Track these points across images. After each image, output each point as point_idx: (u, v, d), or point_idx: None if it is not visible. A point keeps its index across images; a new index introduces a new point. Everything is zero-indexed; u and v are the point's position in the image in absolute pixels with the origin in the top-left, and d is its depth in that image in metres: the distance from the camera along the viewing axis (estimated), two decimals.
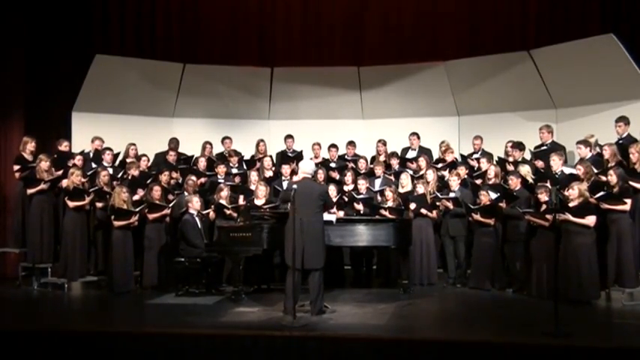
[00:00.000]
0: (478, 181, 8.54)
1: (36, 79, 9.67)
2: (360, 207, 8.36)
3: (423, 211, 8.12)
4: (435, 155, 9.68)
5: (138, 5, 10.57)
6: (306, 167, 6.63)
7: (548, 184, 7.41)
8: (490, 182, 8.11)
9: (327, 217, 6.56)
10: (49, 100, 9.74)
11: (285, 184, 8.88)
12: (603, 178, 7.24)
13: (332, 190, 8.09)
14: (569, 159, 8.69)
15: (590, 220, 6.80)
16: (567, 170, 7.83)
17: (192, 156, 9.82)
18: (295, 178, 8.62)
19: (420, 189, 8.19)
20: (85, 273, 8.14)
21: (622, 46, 8.56)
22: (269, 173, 9.37)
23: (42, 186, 8.10)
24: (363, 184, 8.50)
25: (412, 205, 8.08)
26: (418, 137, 9.78)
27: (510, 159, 8.70)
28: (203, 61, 10.58)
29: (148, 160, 9.31)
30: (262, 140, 10.15)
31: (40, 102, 9.66)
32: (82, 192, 8.02)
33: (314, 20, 10.91)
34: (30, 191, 8.13)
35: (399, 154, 9.65)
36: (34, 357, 5.52)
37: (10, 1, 9.50)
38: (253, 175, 8.96)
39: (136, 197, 8.15)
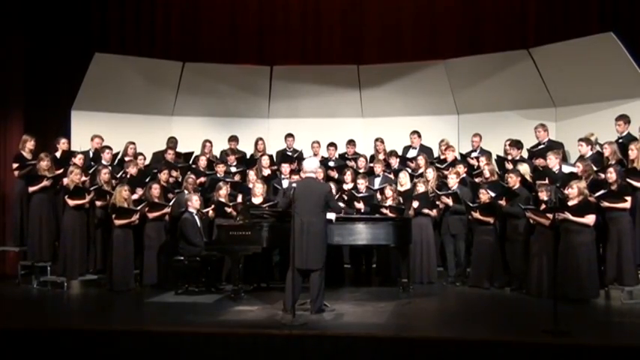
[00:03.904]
0: (477, 180, 8.53)
1: (35, 78, 9.66)
2: (360, 205, 8.35)
3: (426, 210, 8.12)
4: (436, 154, 9.69)
5: (137, 4, 10.57)
6: (310, 166, 6.61)
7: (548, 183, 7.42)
8: (488, 180, 8.11)
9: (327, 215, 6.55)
10: (48, 98, 9.73)
11: (284, 183, 8.89)
12: (602, 176, 7.25)
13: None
14: (568, 157, 8.71)
15: (590, 218, 6.80)
16: (566, 168, 7.84)
17: (192, 152, 9.82)
18: (295, 177, 8.66)
19: (421, 188, 8.19)
20: (84, 271, 8.14)
21: (621, 45, 8.57)
22: (267, 172, 9.37)
23: (45, 183, 8.10)
24: (362, 183, 8.49)
25: (415, 204, 8.08)
26: (419, 136, 9.78)
27: (509, 157, 8.71)
28: (202, 59, 10.58)
29: (144, 159, 9.31)
30: (261, 139, 10.16)
31: (40, 101, 9.66)
32: (82, 190, 8.02)
33: (313, 18, 10.92)
34: (32, 189, 8.12)
35: (400, 152, 9.66)
36: (34, 356, 5.51)
37: (9, 0, 9.48)
38: (251, 174, 8.96)
39: (135, 196, 8.14)
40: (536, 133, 8.80)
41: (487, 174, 8.15)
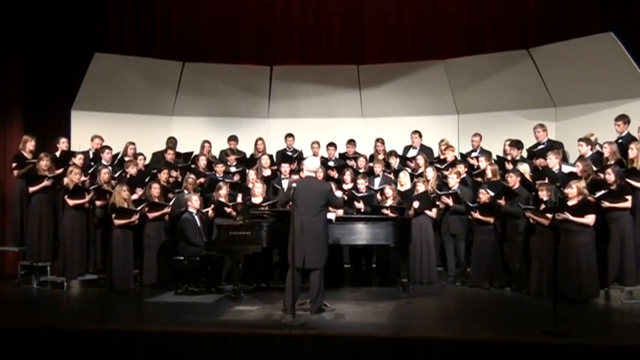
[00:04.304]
0: (478, 179, 8.52)
1: (35, 78, 9.64)
2: (360, 205, 8.34)
3: (426, 211, 8.12)
4: (436, 154, 9.69)
5: (137, 3, 10.57)
6: (311, 165, 6.61)
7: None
8: (490, 180, 8.10)
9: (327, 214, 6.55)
10: (48, 98, 9.72)
11: (284, 183, 8.88)
12: (602, 177, 7.24)
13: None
14: (568, 157, 8.70)
15: (590, 218, 6.80)
16: (566, 168, 7.83)
17: (192, 152, 9.83)
18: (295, 177, 8.66)
19: (421, 187, 8.19)
20: (84, 271, 8.14)
21: (621, 45, 8.58)
22: (267, 172, 9.37)
23: (45, 182, 8.09)
24: (362, 183, 8.49)
25: (416, 204, 8.07)
26: (420, 135, 9.78)
27: (508, 157, 8.70)
28: (202, 59, 10.58)
29: (144, 159, 9.31)
30: (261, 138, 10.16)
31: (40, 100, 9.65)
32: (82, 190, 8.02)
33: (313, 18, 10.92)
34: (33, 189, 8.11)
35: (401, 152, 9.66)
36: (34, 355, 5.51)
37: (9, 0, 9.48)
38: (251, 174, 8.97)
39: (134, 196, 8.14)
40: (535, 134, 8.80)
41: (489, 174, 8.14)
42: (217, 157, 9.92)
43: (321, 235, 6.27)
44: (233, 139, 10.03)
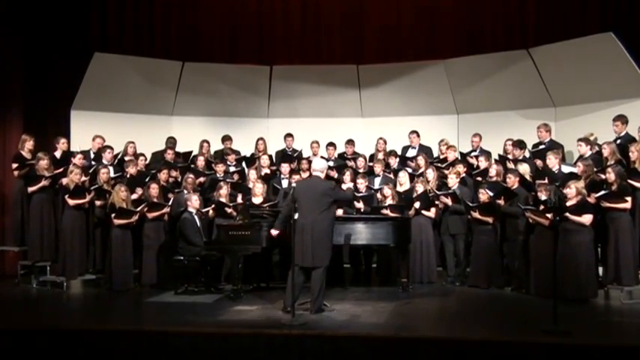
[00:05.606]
0: (479, 179, 8.52)
1: (35, 77, 9.64)
2: (360, 205, 8.34)
3: (425, 212, 8.12)
4: (435, 153, 9.69)
5: (136, 3, 10.57)
6: (317, 165, 6.62)
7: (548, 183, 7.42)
8: (493, 180, 8.09)
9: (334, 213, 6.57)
10: (47, 98, 9.72)
11: (284, 183, 8.89)
12: (602, 177, 7.25)
13: None
14: (567, 157, 8.71)
15: (587, 218, 6.80)
16: (566, 168, 7.84)
17: (191, 152, 9.82)
18: (296, 177, 8.66)
19: (420, 187, 8.19)
20: (83, 271, 8.14)
21: (621, 45, 8.58)
22: (266, 171, 9.37)
23: (44, 182, 8.09)
24: (362, 183, 8.49)
25: (417, 204, 8.07)
26: (418, 135, 9.78)
27: (510, 157, 8.70)
28: (202, 59, 10.58)
29: (145, 159, 9.31)
30: (261, 138, 10.16)
31: (39, 100, 9.65)
32: (83, 190, 8.02)
33: (313, 18, 10.92)
34: (31, 189, 8.11)
35: (400, 152, 9.66)
36: (33, 355, 5.51)
37: (9, 0, 9.48)
38: (252, 174, 8.97)
39: (134, 196, 8.14)
40: (538, 133, 8.80)
41: (493, 172, 8.14)
42: (213, 157, 9.91)
43: (325, 234, 6.26)
44: (228, 138, 10.04)
